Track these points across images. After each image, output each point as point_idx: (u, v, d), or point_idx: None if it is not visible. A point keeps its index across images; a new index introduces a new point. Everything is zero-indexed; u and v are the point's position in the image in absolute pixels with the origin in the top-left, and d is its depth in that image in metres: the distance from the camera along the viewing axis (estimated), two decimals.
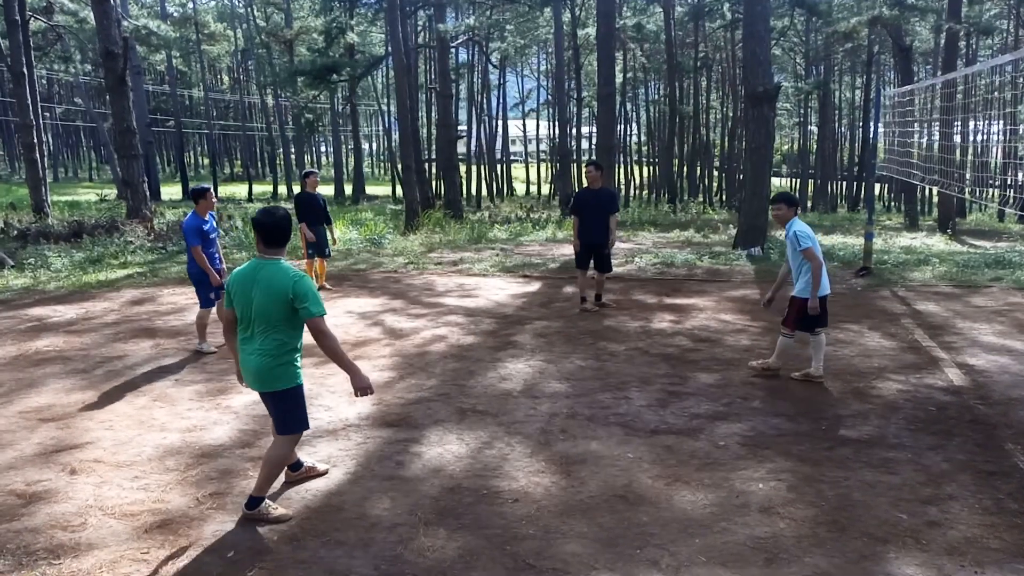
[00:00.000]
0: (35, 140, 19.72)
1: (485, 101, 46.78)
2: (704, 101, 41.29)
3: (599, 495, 4.24)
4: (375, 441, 5.05)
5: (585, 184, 9.34)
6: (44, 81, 48.61)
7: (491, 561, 3.55)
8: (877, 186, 38.28)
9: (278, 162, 47.74)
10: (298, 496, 4.23)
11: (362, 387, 3.89)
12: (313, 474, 4.46)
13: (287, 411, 3.96)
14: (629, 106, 47.96)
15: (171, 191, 40.92)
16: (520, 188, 56.12)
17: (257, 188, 43.65)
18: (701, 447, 4.92)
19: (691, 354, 7.17)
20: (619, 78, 38.92)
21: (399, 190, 32.35)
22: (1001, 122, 28.99)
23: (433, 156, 36.99)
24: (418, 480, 4.44)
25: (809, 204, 40.15)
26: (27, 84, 19.35)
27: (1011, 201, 12.67)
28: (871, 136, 12.97)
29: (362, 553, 3.63)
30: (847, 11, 27.89)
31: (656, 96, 47.26)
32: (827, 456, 4.75)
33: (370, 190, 45.45)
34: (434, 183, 34.98)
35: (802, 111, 45.78)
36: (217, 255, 7.47)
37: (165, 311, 9.40)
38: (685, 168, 41.06)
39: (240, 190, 43.47)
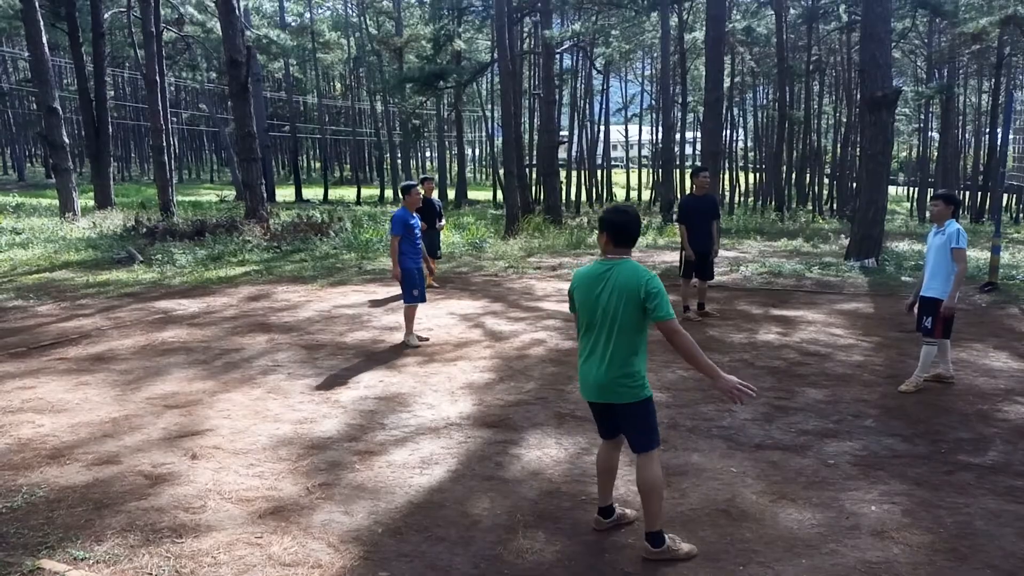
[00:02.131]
0: (164, 143, 21.07)
1: (588, 106, 46.69)
2: (816, 106, 39.78)
3: (700, 508, 4.16)
4: (475, 441, 5.13)
5: (690, 191, 9.22)
6: (172, 88, 51.88)
7: (588, 568, 3.55)
8: (1004, 196, 35.82)
9: (385, 166, 49.19)
10: (401, 491, 4.34)
11: (726, 388, 3.46)
12: (625, 522, 3.98)
13: (641, 426, 3.63)
14: (736, 111, 46.81)
15: (284, 193, 42.84)
16: (620, 194, 55.69)
17: (365, 191, 45.18)
18: (809, 464, 4.75)
19: (799, 368, 6.93)
20: (727, 82, 38.01)
21: (500, 195, 32.70)
22: None
23: (534, 161, 37.21)
24: (517, 482, 4.49)
25: (928, 215, 37.98)
26: (159, 91, 20.71)
27: None
28: (999, 143, 12.19)
29: (462, 550, 3.70)
30: (975, 11, 26.22)
31: (765, 101, 45.94)
32: (946, 480, 4.49)
33: (472, 195, 46.18)
34: (534, 188, 35.17)
35: (922, 117, 43.45)
36: (420, 252, 7.91)
37: (279, 307, 9.86)
38: (794, 175, 39.69)
39: (349, 193, 45.06)
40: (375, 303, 10.13)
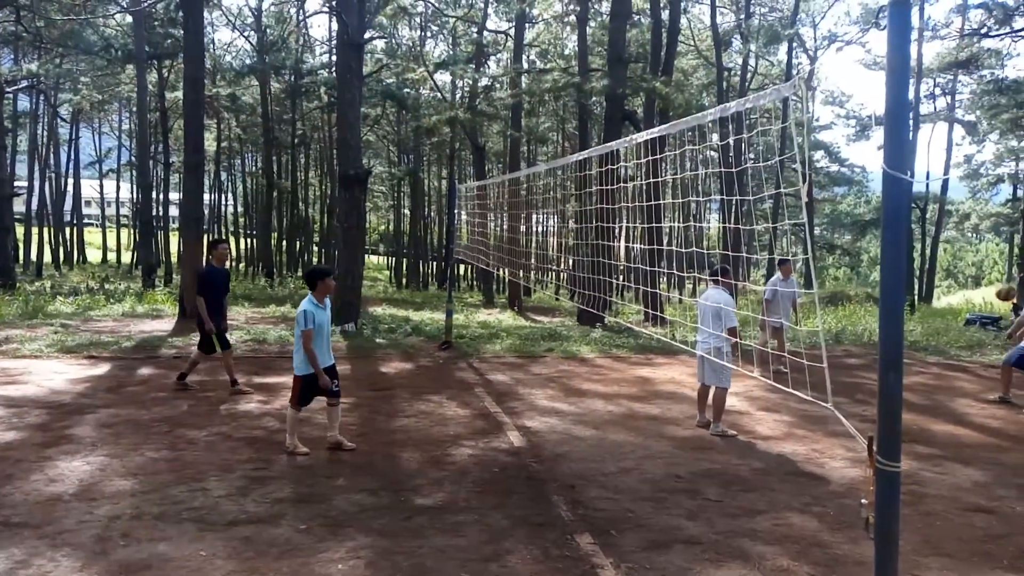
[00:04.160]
0: None
1: (53, 156, 41.21)
2: (303, 177, 41.73)
3: None
4: None
5: (209, 260, 9.39)
6: None
7: None
8: (463, 266, 42.35)
9: None
10: None
11: None
12: None
13: None
14: (225, 176, 46.36)
15: None
16: (95, 255, 50.12)
17: None
18: (282, 534, 4.74)
19: (278, 435, 6.95)
20: (213, 146, 37.49)
21: None
22: (556, 217, 34.47)
23: None
24: None
25: (404, 281, 42.68)
26: None
27: (564, 282, 15.01)
28: (451, 223, 14.36)
29: None
30: (432, 109, 30.79)
31: (254, 168, 46.47)
32: (404, 527, 4.93)
33: None
34: None
35: (396, 194, 48.89)
36: None
37: None
38: (284, 242, 40.77)
39: None
40: None
